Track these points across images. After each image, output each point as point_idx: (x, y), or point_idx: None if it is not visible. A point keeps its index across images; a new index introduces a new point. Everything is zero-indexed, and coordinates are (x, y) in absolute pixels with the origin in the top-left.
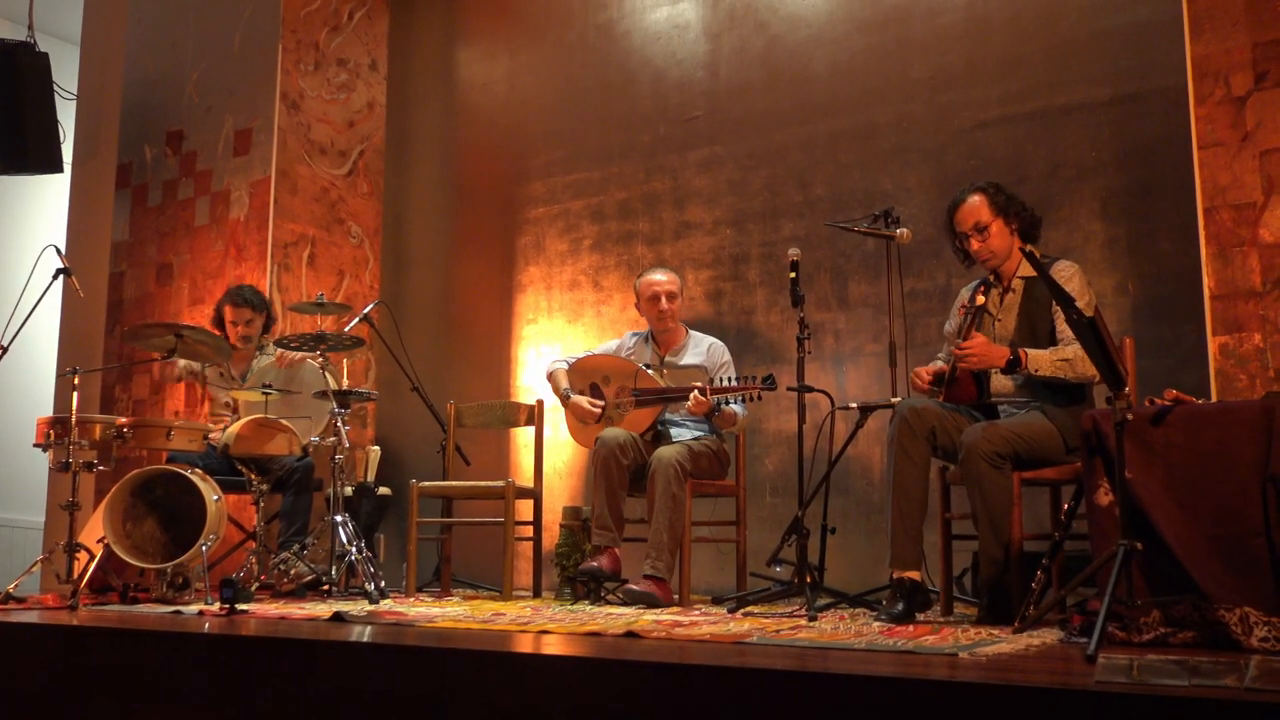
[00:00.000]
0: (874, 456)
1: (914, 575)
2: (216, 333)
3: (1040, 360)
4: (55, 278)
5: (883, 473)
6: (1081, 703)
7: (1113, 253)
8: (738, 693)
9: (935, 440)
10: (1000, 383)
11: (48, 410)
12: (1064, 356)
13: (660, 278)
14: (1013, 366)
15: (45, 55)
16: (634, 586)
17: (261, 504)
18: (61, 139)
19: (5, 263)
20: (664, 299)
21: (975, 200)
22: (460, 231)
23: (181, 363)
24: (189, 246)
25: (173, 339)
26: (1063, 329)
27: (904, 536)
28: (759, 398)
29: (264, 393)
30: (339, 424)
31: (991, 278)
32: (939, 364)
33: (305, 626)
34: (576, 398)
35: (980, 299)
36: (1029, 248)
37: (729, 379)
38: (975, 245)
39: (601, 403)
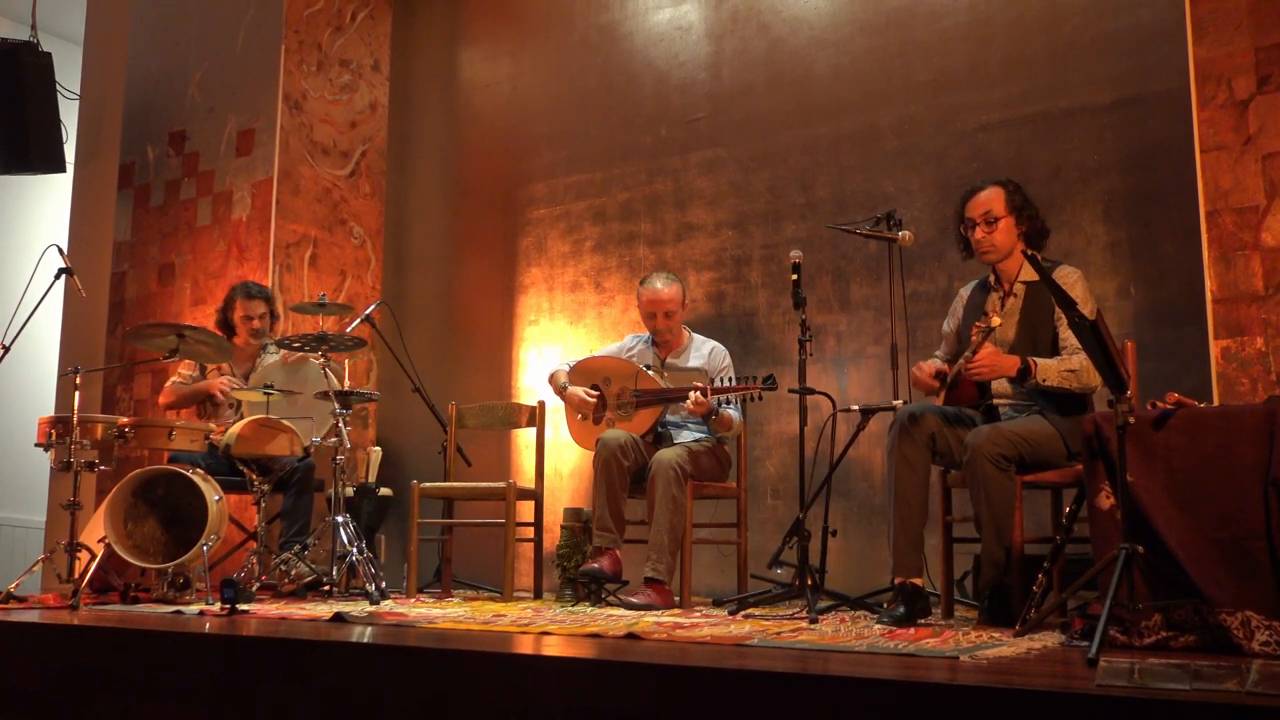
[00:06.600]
0: (875, 459)
1: (916, 581)
2: (219, 333)
3: (1048, 370)
4: (57, 277)
5: (884, 476)
6: (1082, 706)
7: (1115, 256)
8: (738, 695)
9: (934, 446)
10: (1001, 384)
11: (49, 410)
12: (1071, 367)
13: (661, 288)
14: (1023, 376)
15: (48, 55)
16: (633, 599)
17: (263, 504)
18: (64, 139)
19: (7, 262)
20: (661, 316)
21: (993, 191)
22: (462, 232)
23: (186, 372)
24: (191, 247)
25: (174, 339)
26: (1065, 337)
27: (905, 544)
28: (760, 398)
29: (265, 393)
30: (340, 425)
31: (992, 279)
32: (938, 363)
33: (306, 627)
34: (573, 388)
35: (996, 320)
36: (1030, 250)
37: (729, 381)
38: (979, 234)
39: (597, 393)
